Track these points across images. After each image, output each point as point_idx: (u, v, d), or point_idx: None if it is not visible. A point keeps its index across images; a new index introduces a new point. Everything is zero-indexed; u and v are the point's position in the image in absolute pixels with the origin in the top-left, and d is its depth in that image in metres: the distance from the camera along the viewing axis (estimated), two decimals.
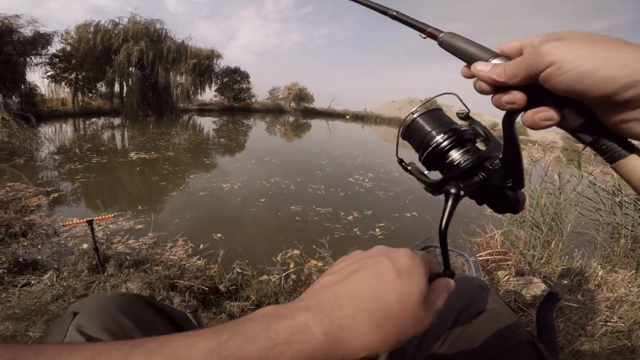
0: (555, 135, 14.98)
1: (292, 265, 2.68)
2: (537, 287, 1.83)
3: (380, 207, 4.66)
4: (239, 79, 25.59)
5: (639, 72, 0.24)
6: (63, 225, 2.32)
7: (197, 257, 2.65)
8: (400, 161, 0.45)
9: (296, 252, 2.90)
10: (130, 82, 15.69)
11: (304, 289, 1.87)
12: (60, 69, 15.02)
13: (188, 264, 2.45)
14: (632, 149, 0.28)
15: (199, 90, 19.91)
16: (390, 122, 27.69)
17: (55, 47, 14.66)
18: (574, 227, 2.45)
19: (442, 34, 0.37)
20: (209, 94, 23.48)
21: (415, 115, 0.42)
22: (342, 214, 4.16)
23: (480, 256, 2.09)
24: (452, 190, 0.35)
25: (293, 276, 2.45)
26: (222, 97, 25.36)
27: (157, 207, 4.12)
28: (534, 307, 1.68)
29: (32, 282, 1.90)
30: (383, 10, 0.47)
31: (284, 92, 30.16)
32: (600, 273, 2.03)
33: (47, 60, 14.58)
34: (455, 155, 0.39)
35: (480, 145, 0.42)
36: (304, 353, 0.25)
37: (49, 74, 14.80)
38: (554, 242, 2.31)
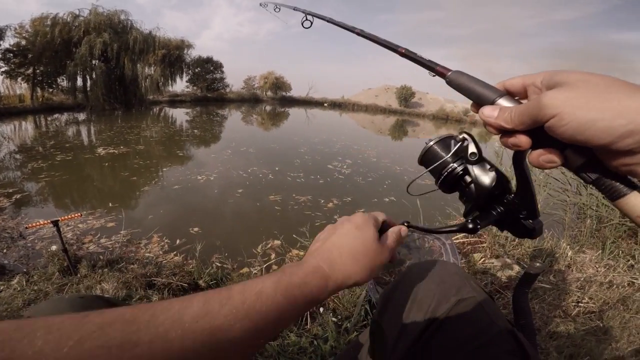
0: None
1: (273, 256, 2.67)
2: (512, 269, 1.89)
3: (360, 193, 4.70)
4: (211, 68, 24.80)
5: (633, 120, 0.25)
6: (26, 228, 2.20)
7: (174, 253, 2.59)
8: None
9: (277, 242, 2.88)
10: (94, 75, 14.87)
11: None
12: (15, 64, 14.04)
13: (165, 261, 2.38)
14: (633, 187, 0.29)
15: (170, 82, 19.21)
16: (367, 109, 27.83)
17: (8, 42, 13.75)
18: (543, 208, 2.55)
19: (449, 73, 0.40)
20: (181, 85, 22.64)
21: (430, 144, 0.46)
22: (322, 201, 4.17)
23: (457, 239, 2.15)
24: (470, 226, 0.43)
25: (275, 267, 2.44)
26: (195, 88, 24.56)
27: (130, 203, 3.98)
28: (509, 289, 1.73)
29: (1, 287, 1.81)
30: (393, 48, 0.50)
31: (260, 81, 29.55)
32: (569, 254, 2.11)
33: (0, 55, 13.62)
34: (473, 187, 0.43)
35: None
36: (321, 278, 0.41)
37: (2, 69, 13.82)
38: None
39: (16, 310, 1.57)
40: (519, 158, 0.36)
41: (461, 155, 0.44)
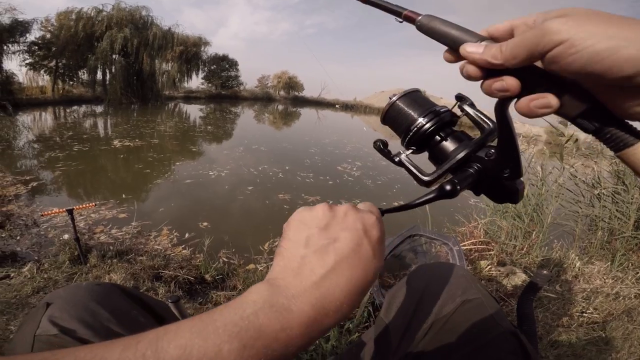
0: (539, 128, 15.28)
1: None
2: (518, 277, 1.87)
3: (368, 196, 4.69)
4: (227, 66, 25.08)
5: None
6: (42, 215, 2.27)
7: (183, 246, 2.63)
8: (381, 148, 0.42)
9: None
10: (113, 70, 15.24)
11: None
12: (39, 57, 14.43)
13: (173, 254, 2.42)
14: None
15: (186, 78, 19.51)
16: (380, 112, 27.64)
17: (34, 35, 14.14)
18: (554, 219, 2.51)
19: (420, 17, 0.34)
20: (196, 82, 23.04)
21: (394, 99, 0.41)
22: (330, 202, 4.14)
23: (464, 245, 2.13)
24: (448, 187, 0.34)
25: None
26: (210, 85, 24.87)
27: (142, 195, 4.05)
28: (514, 297, 1.71)
29: (12, 274, 1.85)
30: None
31: (274, 80, 29.76)
32: (577, 264, 2.08)
33: (26, 48, 14.00)
34: (447, 144, 0.38)
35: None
36: (307, 334, 0.27)
37: (27, 61, 14.20)
38: (534, 232, 2.36)
39: (25, 298, 1.60)
40: (502, 107, 0.30)
41: (431, 110, 0.39)
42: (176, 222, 3.08)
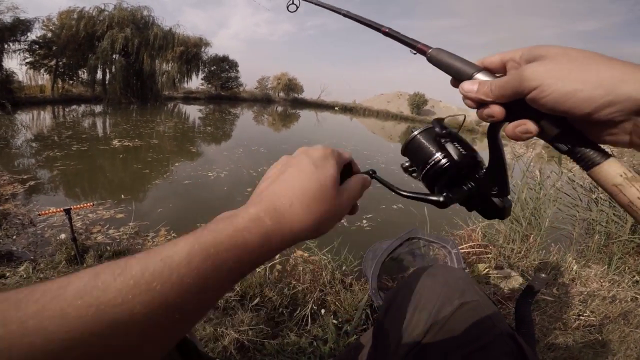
0: None
1: (277, 255, 2.67)
2: (516, 281, 1.87)
3: (367, 199, 4.68)
4: (227, 67, 25.11)
5: (612, 91, 0.26)
6: (39, 215, 2.25)
7: None
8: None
9: None
10: (113, 69, 15.27)
11: (290, 280, 1.87)
12: (39, 56, 14.41)
13: None
14: (607, 155, 0.29)
15: (186, 78, 19.53)
16: (379, 114, 27.79)
17: (35, 34, 14.14)
18: (551, 222, 2.51)
19: (430, 50, 0.40)
20: (196, 82, 23.04)
21: (415, 133, 0.44)
22: None
23: (462, 249, 2.13)
24: (441, 199, 0.40)
25: (278, 267, 2.44)
26: (209, 86, 24.89)
27: (140, 195, 4.04)
28: (512, 300, 1.71)
29: (7, 274, 1.84)
30: (377, 27, 0.50)
31: (273, 82, 29.82)
32: (574, 268, 2.08)
33: (27, 46, 13.99)
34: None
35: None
36: (261, 234, 0.30)
37: (27, 60, 14.17)
38: (532, 236, 2.37)
39: None
40: (493, 131, 0.36)
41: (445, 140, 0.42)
42: (174, 223, 3.07)
